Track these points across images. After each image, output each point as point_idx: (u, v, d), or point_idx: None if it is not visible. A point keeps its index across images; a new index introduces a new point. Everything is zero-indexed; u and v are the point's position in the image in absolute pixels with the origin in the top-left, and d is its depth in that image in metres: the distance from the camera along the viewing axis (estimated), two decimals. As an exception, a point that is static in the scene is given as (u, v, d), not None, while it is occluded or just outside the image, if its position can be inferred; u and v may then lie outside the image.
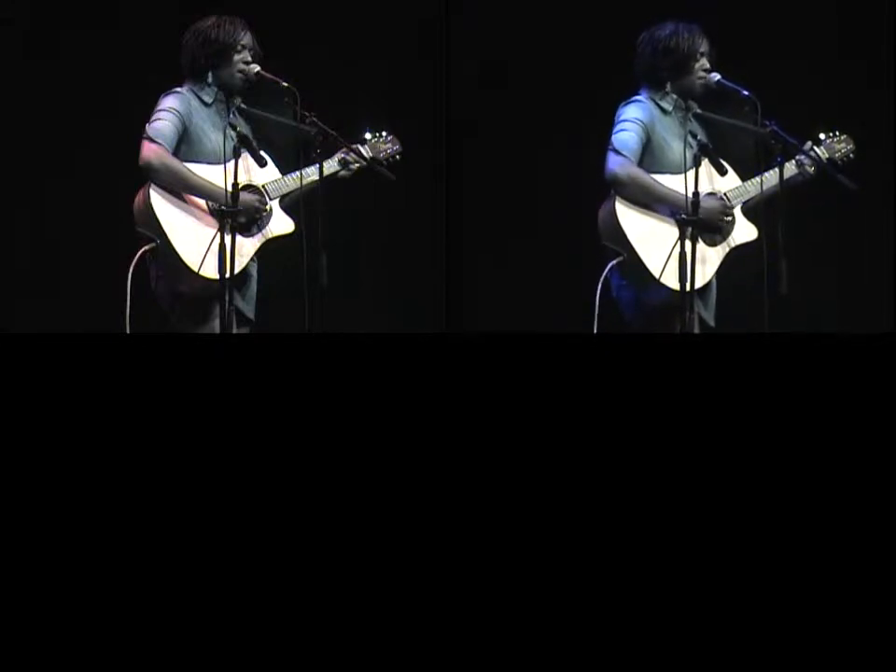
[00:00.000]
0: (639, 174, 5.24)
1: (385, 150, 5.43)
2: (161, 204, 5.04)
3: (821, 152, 5.46)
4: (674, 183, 5.25)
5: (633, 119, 5.28)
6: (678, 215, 5.10)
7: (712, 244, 5.27)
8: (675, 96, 5.34)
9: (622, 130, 5.27)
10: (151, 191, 5.04)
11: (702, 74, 5.35)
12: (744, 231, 5.38)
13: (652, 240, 5.19)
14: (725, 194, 5.32)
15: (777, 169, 5.22)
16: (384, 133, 5.46)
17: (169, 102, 5.14)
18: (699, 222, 5.08)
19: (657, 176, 5.30)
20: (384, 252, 6.04)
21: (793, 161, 5.37)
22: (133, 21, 5.70)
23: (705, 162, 5.18)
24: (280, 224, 5.25)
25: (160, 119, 5.09)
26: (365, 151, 5.33)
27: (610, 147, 5.24)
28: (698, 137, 5.22)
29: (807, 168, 5.39)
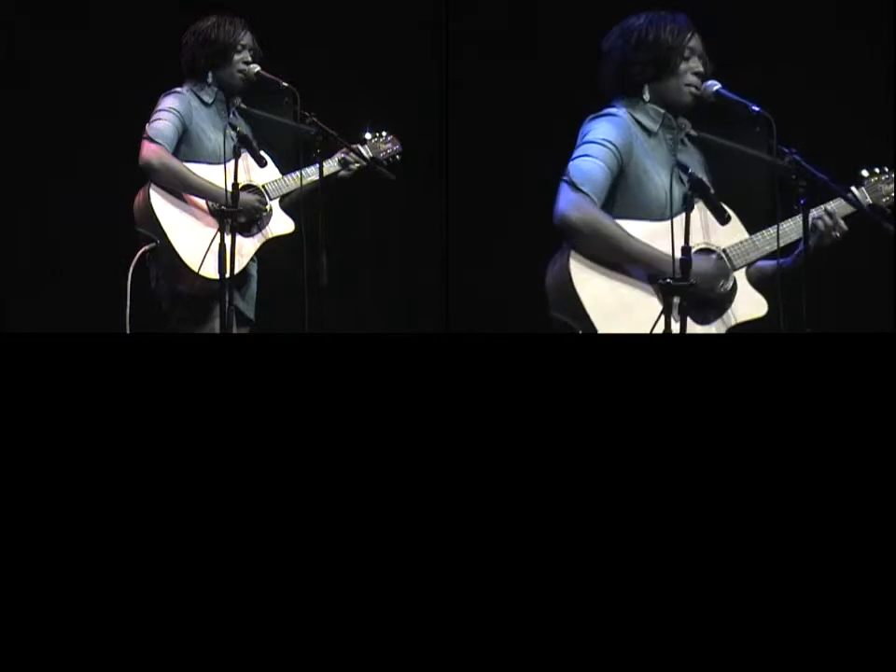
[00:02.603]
0: (602, 222, 3.85)
1: (385, 150, 5.44)
2: (161, 204, 5.04)
3: (862, 195, 4.08)
4: (653, 233, 3.85)
5: (601, 141, 3.96)
6: (661, 279, 3.58)
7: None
8: (659, 109, 4.03)
9: (584, 156, 3.94)
10: (151, 191, 5.04)
11: (692, 79, 4.02)
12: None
13: (621, 315, 3.76)
14: (725, 251, 3.93)
15: (798, 217, 3.74)
16: (384, 133, 5.46)
17: (169, 102, 5.14)
18: (688, 290, 3.51)
19: (631, 224, 3.90)
20: (384, 252, 6.04)
21: (823, 209, 3.92)
22: (134, 21, 5.70)
23: (700, 207, 3.72)
24: (280, 224, 5.25)
25: (160, 118, 5.09)
26: (365, 151, 5.33)
27: (566, 177, 3.92)
28: (690, 170, 3.74)
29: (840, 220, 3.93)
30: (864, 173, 4.12)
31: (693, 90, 4.03)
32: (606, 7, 5.15)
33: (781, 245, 3.81)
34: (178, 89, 5.21)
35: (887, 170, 4.13)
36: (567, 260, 3.81)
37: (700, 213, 3.74)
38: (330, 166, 5.22)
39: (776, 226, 3.81)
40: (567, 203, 3.87)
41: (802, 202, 3.70)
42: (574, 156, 3.98)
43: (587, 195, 3.87)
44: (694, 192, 3.62)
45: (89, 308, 5.45)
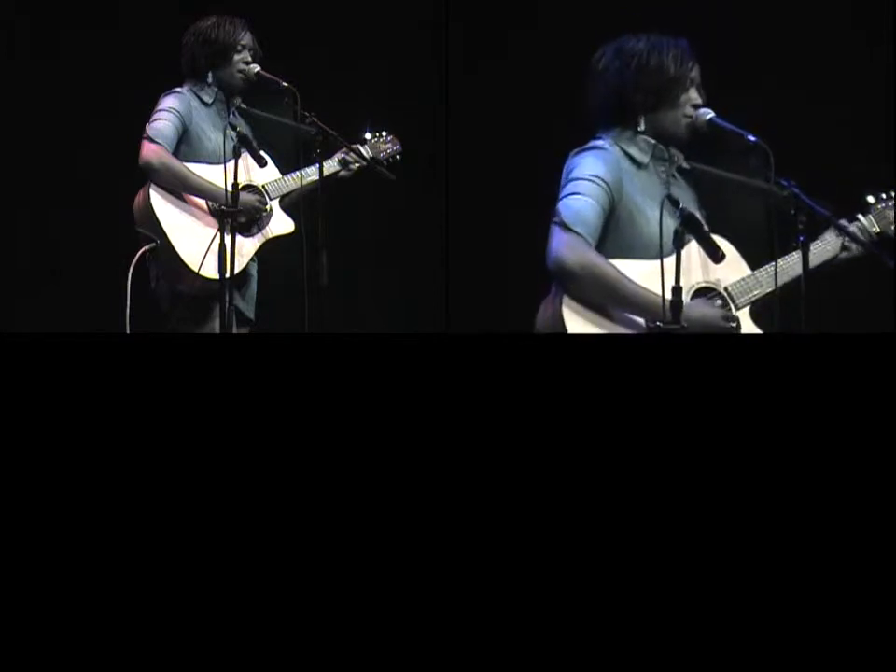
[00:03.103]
0: (599, 265, 3.57)
1: (385, 150, 5.44)
2: (161, 204, 5.04)
3: (869, 223, 3.84)
4: (648, 272, 3.54)
5: (590, 178, 3.68)
6: (650, 323, 3.46)
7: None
8: (650, 140, 3.74)
9: (573, 194, 3.65)
10: (151, 191, 5.04)
11: (689, 110, 3.75)
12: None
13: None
14: (727, 289, 3.68)
15: (797, 253, 3.48)
16: (384, 133, 5.46)
17: (169, 102, 5.15)
18: (687, 323, 3.35)
19: (625, 263, 3.61)
20: (384, 252, 6.04)
21: (823, 240, 3.74)
22: (134, 21, 5.70)
23: (695, 247, 3.48)
24: (280, 224, 5.25)
25: (160, 119, 5.09)
26: (365, 151, 5.33)
27: (556, 217, 3.63)
28: (681, 206, 3.47)
29: (850, 247, 3.74)
30: (870, 199, 3.84)
31: (688, 120, 3.74)
32: (606, 6, 5.15)
33: (785, 280, 3.56)
34: (178, 89, 5.21)
35: (894, 195, 3.85)
36: (560, 307, 3.54)
37: (699, 250, 3.51)
38: (330, 166, 5.22)
39: (774, 262, 3.56)
40: (561, 245, 3.56)
41: (801, 238, 3.45)
42: (562, 195, 3.68)
43: (581, 235, 3.57)
44: (686, 228, 3.39)
45: (89, 308, 5.45)
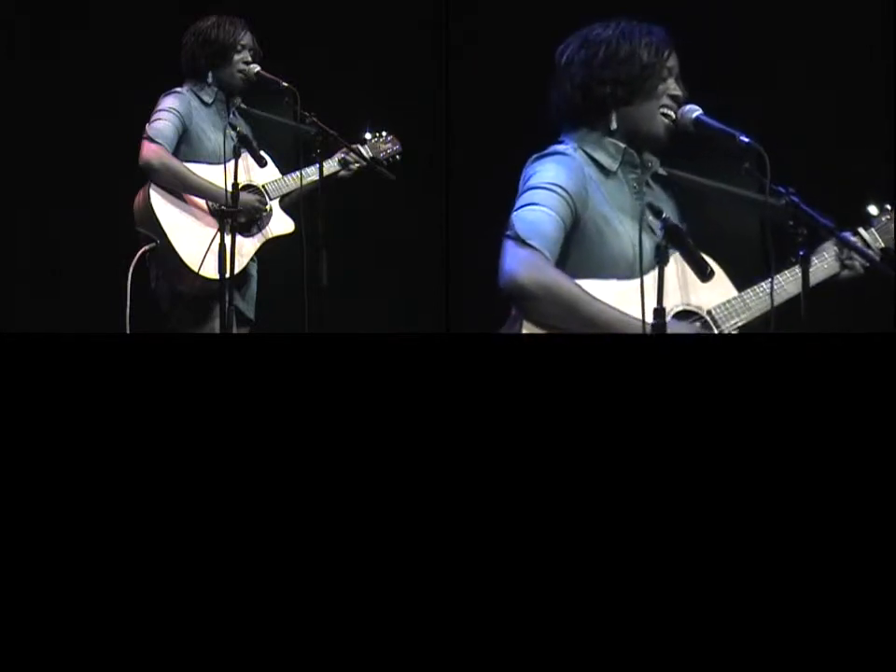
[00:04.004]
0: (559, 282, 3.14)
1: (385, 150, 5.44)
2: (161, 204, 5.04)
3: (872, 237, 3.43)
4: (621, 293, 3.16)
5: (548, 186, 3.25)
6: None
7: None
8: (620, 144, 3.31)
9: (529, 205, 3.24)
10: (151, 191, 5.04)
11: (667, 103, 3.31)
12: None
13: None
14: (710, 313, 3.24)
15: (797, 268, 3.12)
16: (384, 133, 5.47)
17: (169, 102, 5.15)
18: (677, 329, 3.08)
19: (593, 284, 3.17)
20: (384, 252, 6.04)
21: (821, 257, 3.35)
22: (134, 21, 5.70)
23: (677, 260, 3.06)
24: (280, 224, 5.25)
25: (160, 119, 5.10)
26: (365, 151, 5.34)
27: (509, 231, 3.22)
28: (664, 215, 3.00)
29: (853, 265, 3.35)
30: (873, 210, 3.45)
31: (667, 120, 3.29)
32: (607, 6, 5.13)
33: (779, 302, 3.18)
34: (178, 89, 5.22)
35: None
36: (520, 333, 3.18)
37: (677, 267, 3.09)
38: (330, 166, 5.22)
39: (769, 281, 3.15)
40: (515, 262, 3.14)
41: (801, 252, 3.06)
42: (517, 206, 3.26)
43: (537, 250, 3.14)
44: (669, 242, 2.93)
45: (89, 308, 5.45)
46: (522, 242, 3.17)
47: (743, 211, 3.16)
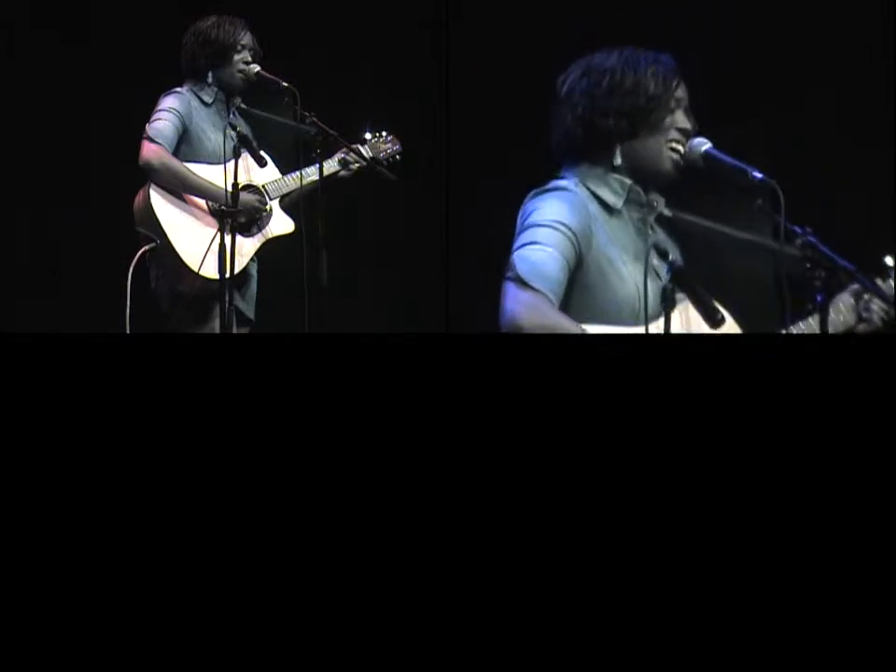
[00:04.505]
0: (567, 328, 2.98)
1: (385, 150, 5.44)
2: (161, 204, 5.04)
3: (889, 287, 3.16)
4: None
5: (552, 224, 3.05)
6: None
7: None
8: (625, 181, 3.13)
9: (531, 244, 3.05)
10: (151, 191, 5.04)
11: (675, 137, 3.14)
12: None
13: None
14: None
15: (813, 318, 2.96)
16: (384, 133, 5.47)
17: (169, 102, 5.15)
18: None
19: (597, 330, 3.02)
20: (384, 252, 6.04)
21: (836, 308, 3.11)
22: (134, 21, 5.70)
23: (685, 306, 2.90)
24: (280, 224, 5.25)
25: (160, 118, 5.10)
26: (365, 151, 5.34)
27: (510, 272, 3.04)
28: (671, 257, 2.92)
29: (870, 318, 3.11)
30: (889, 261, 3.18)
31: (675, 155, 3.11)
32: (607, 5, 5.12)
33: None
34: (178, 89, 5.22)
35: None
36: None
37: (681, 314, 2.95)
38: (330, 166, 5.22)
39: (784, 331, 2.97)
40: (518, 305, 2.96)
41: (819, 298, 2.84)
42: (517, 245, 3.07)
43: (541, 293, 2.96)
44: (676, 286, 2.80)
45: (89, 308, 5.45)
46: (524, 284, 2.99)
47: (755, 252, 2.94)
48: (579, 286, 3.05)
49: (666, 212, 3.20)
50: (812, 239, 2.82)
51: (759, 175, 2.91)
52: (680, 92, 3.17)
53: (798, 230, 2.83)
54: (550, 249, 3.02)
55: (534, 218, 3.09)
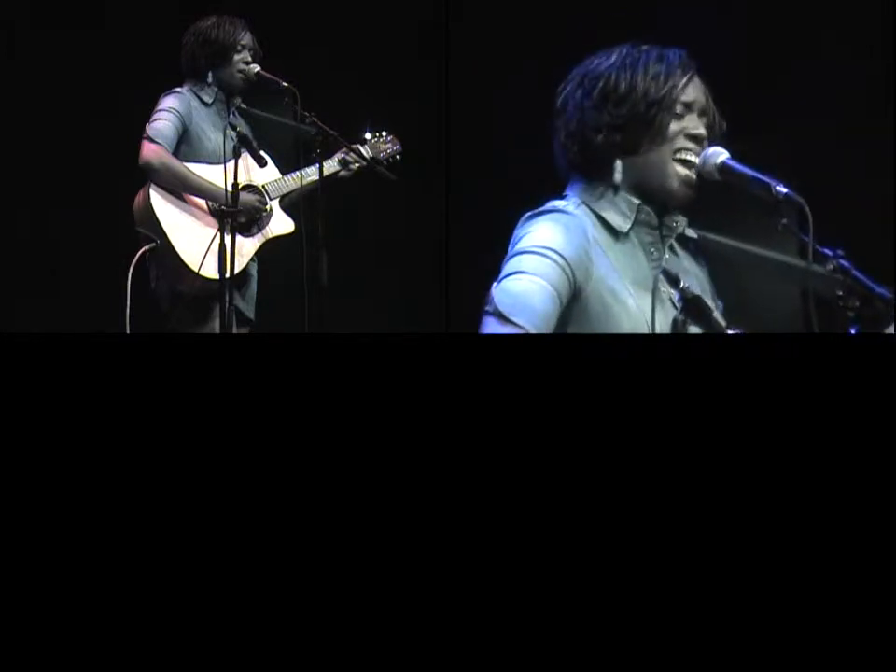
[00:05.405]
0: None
1: (385, 150, 5.44)
2: (161, 204, 5.04)
3: None
4: None
5: (540, 251, 2.68)
6: None
7: None
8: (634, 200, 2.74)
9: (514, 273, 2.72)
10: (151, 191, 5.04)
11: (684, 146, 2.71)
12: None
13: None
14: None
15: None
16: (384, 133, 5.47)
17: (169, 102, 5.15)
18: None
19: None
20: (384, 252, 6.04)
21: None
22: (134, 21, 5.70)
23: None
24: (280, 224, 5.25)
25: (160, 118, 5.10)
26: (365, 151, 5.34)
27: (489, 306, 2.77)
28: (682, 284, 2.67)
29: None
30: None
31: (683, 168, 2.69)
32: (607, 5, 5.11)
33: None
34: (178, 89, 5.22)
35: None
36: None
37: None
38: (330, 166, 5.22)
39: None
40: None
41: (853, 331, 2.52)
42: (501, 276, 2.74)
43: (521, 327, 2.68)
44: (688, 317, 2.56)
45: (89, 308, 5.45)
46: (504, 318, 2.70)
47: (781, 278, 2.63)
48: (577, 320, 2.73)
49: (690, 232, 2.81)
50: (845, 263, 2.51)
51: (784, 190, 2.54)
52: (691, 92, 2.73)
53: (829, 252, 2.50)
54: (535, 279, 2.67)
55: (522, 245, 2.74)
